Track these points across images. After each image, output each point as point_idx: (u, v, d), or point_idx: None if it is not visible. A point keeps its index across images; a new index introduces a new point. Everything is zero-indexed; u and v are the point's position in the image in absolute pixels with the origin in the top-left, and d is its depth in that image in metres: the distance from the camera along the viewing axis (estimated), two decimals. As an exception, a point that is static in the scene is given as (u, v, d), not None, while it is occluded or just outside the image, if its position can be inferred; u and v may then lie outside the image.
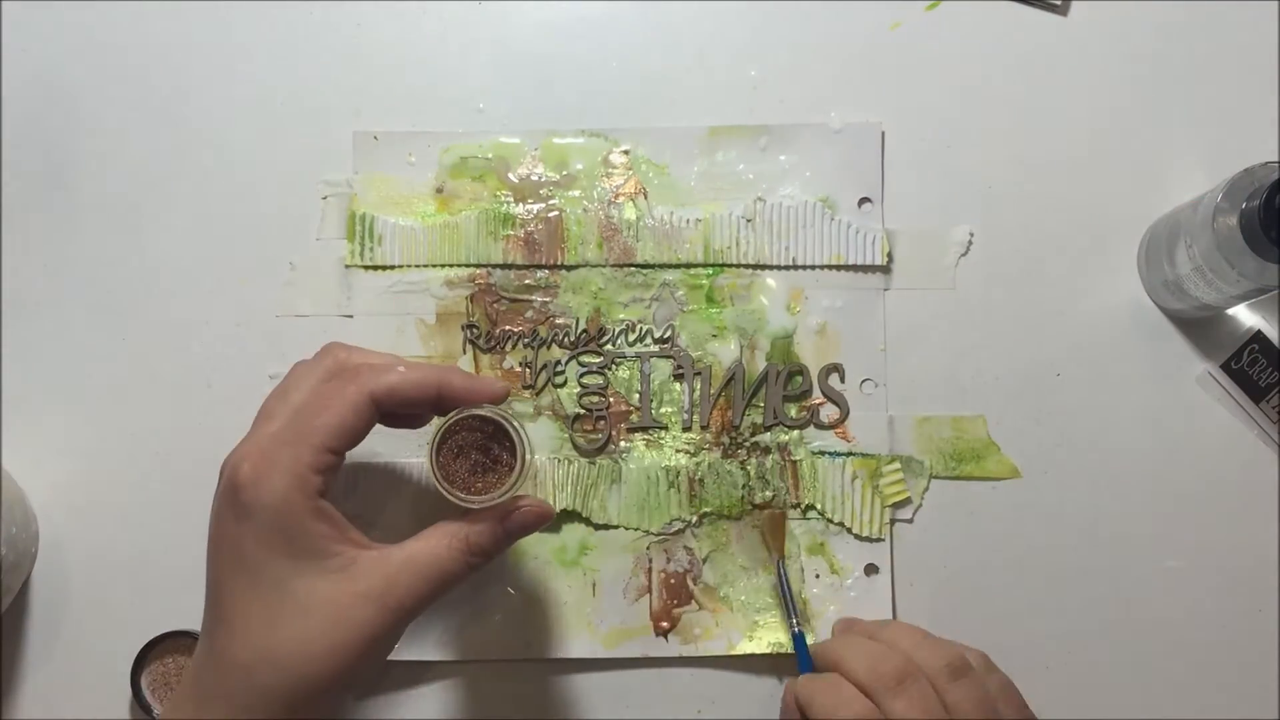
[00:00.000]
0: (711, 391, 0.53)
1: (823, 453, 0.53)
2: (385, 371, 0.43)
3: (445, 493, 0.44)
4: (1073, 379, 0.54)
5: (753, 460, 0.53)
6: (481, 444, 0.44)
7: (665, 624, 0.52)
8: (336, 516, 0.43)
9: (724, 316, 0.54)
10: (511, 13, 0.56)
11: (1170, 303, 0.53)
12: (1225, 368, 0.53)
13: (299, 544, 0.41)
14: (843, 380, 0.54)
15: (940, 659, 0.44)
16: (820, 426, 0.53)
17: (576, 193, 0.54)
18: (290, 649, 0.41)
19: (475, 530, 0.44)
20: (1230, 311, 0.53)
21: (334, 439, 0.42)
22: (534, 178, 0.55)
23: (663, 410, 0.54)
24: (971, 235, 0.54)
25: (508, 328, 0.54)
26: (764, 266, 0.54)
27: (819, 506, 0.53)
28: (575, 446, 0.53)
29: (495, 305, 0.54)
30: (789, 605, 0.51)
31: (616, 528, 0.53)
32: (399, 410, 0.45)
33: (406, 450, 0.53)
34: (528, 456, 0.44)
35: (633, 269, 0.54)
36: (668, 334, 0.54)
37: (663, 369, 0.54)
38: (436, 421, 0.44)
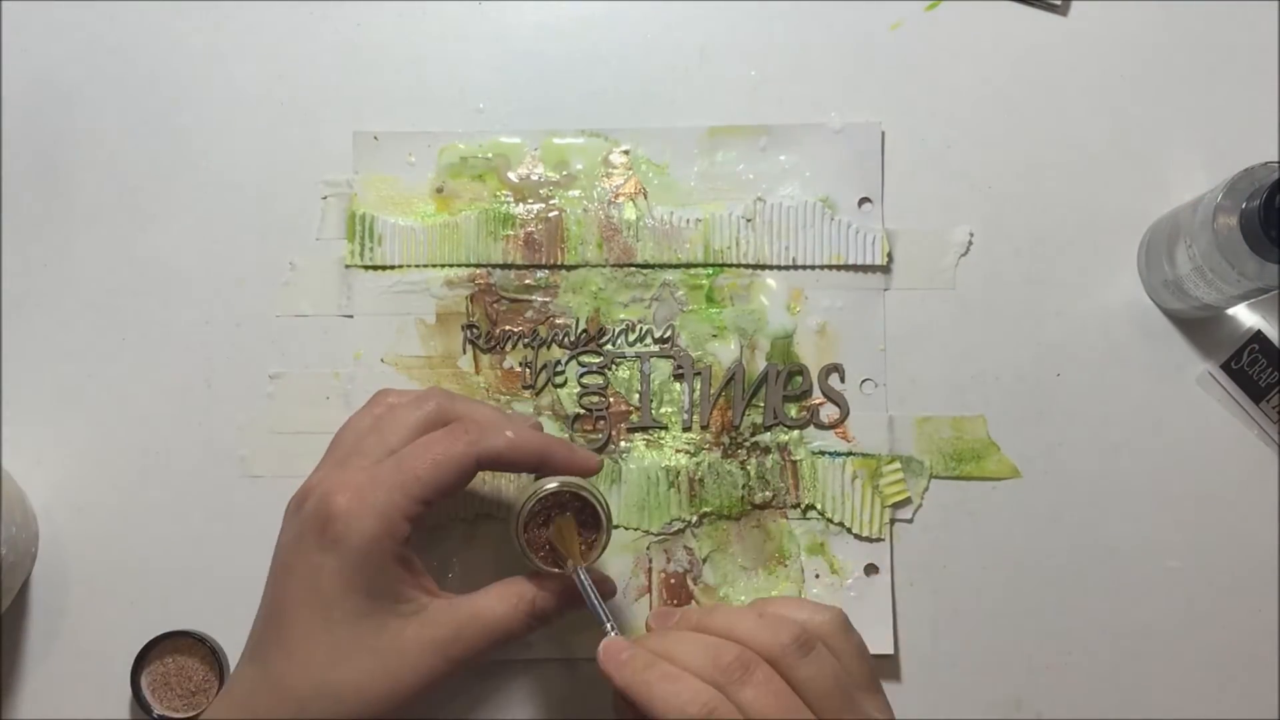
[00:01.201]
0: (711, 391, 0.53)
1: (823, 453, 0.53)
2: (493, 435, 0.44)
3: (531, 561, 0.45)
4: (1073, 379, 0.54)
5: (753, 460, 0.53)
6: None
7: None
8: (415, 563, 0.44)
9: (724, 316, 0.54)
10: (511, 13, 0.56)
11: (1170, 303, 0.53)
12: (1225, 368, 0.53)
13: (378, 585, 0.42)
14: (843, 380, 0.54)
15: (783, 636, 0.40)
16: (820, 426, 0.53)
17: (576, 193, 0.54)
18: (352, 687, 0.41)
19: (541, 595, 0.45)
20: (1230, 311, 0.53)
21: (433, 493, 0.43)
22: (534, 178, 0.54)
23: (663, 410, 0.54)
24: (971, 235, 0.54)
25: (508, 328, 0.54)
26: (764, 266, 0.54)
27: (819, 506, 0.53)
28: (575, 446, 0.53)
29: (495, 305, 0.54)
30: (599, 610, 0.44)
31: (616, 527, 0.53)
32: (495, 471, 0.45)
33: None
34: (609, 532, 0.45)
35: (633, 269, 0.54)
36: (668, 334, 0.54)
37: (663, 369, 0.54)
38: (523, 488, 0.45)
